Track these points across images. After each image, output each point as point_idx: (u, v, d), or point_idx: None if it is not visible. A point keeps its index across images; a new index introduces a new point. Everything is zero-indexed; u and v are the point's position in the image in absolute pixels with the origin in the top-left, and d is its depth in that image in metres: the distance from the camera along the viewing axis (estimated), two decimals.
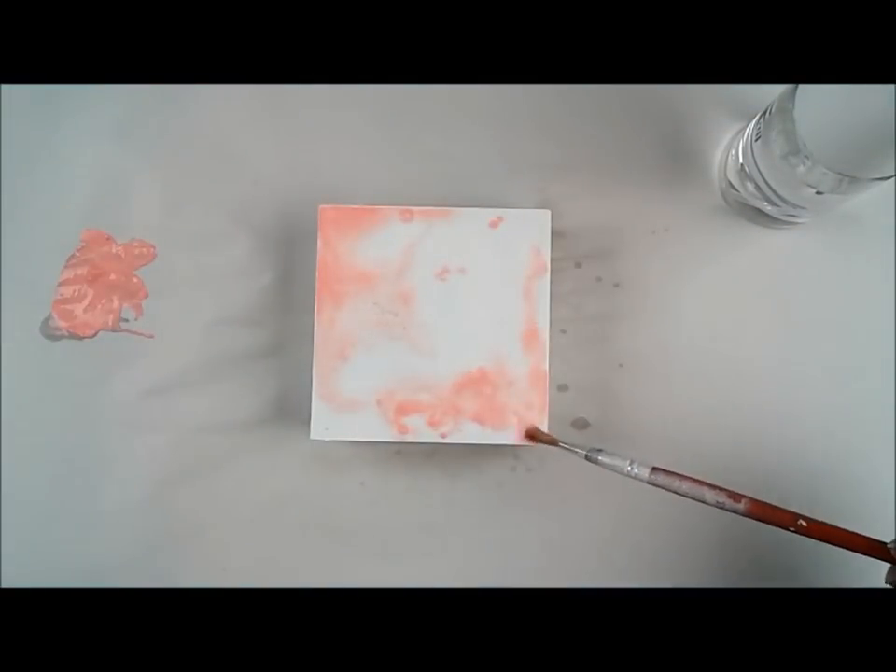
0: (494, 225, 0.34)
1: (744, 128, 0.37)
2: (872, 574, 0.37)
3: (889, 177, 0.30)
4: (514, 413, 0.33)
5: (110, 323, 0.38)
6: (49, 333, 0.38)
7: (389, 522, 0.38)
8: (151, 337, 0.38)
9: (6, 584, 0.37)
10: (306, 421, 0.34)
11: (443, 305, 0.34)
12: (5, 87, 0.39)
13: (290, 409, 0.38)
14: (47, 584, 0.37)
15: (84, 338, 0.38)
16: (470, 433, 0.33)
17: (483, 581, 0.37)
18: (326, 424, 0.34)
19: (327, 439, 0.34)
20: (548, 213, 0.34)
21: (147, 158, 0.39)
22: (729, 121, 0.39)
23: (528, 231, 0.34)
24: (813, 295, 0.38)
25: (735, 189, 0.37)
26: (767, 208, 0.36)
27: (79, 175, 0.39)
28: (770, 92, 0.34)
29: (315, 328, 0.34)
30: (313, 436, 0.33)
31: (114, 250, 0.38)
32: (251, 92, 0.39)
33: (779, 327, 0.38)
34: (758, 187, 0.36)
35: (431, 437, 0.33)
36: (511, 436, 0.33)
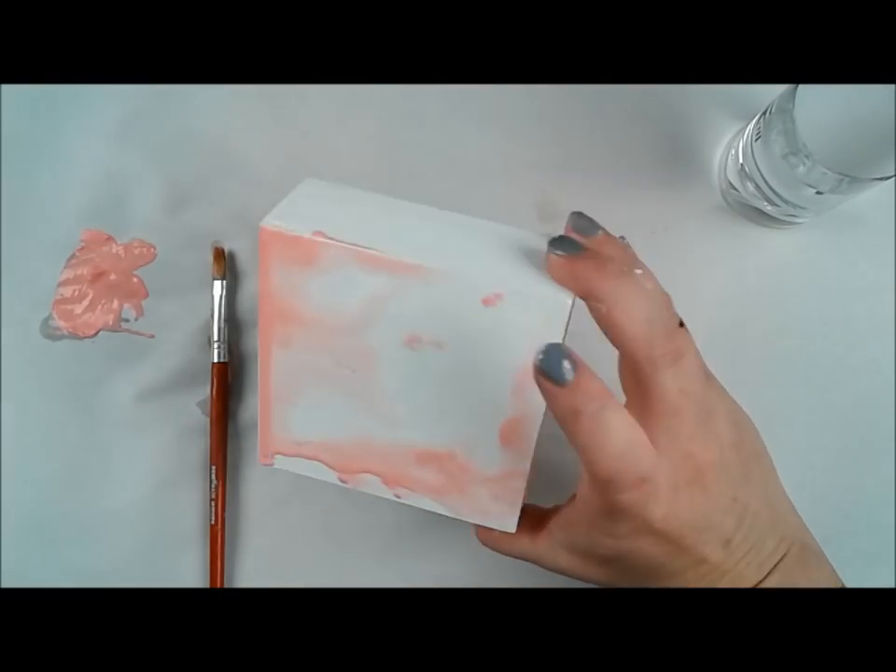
0: (488, 303, 0.24)
1: (744, 128, 0.37)
2: (872, 574, 0.37)
3: (889, 177, 0.30)
4: (479, 502, 0.28)
5: (110, 323, 0.38)
6: (49, 333, 0.38)
7: (389, 522, 0.38)
8: (151, 337, 0.38)
9: (6, 584, 0.37)
10: None
11: (411, 377, 0.26)
12: (5, 87, 0.39)
13: None
14: (47, 584, 0.37)
15: (84, 338, 0.38)
16: (427, 503, 0.28)
17: (484, 581, 0.37)
18: (274, 452, 0.29)
19: (275, 466, 0.29)
20: (569, 300, 0.24)
21: (147, 158, 0.39)
22: (729, 121, 0.39)
23: (533, 321, 0.24)
24: (813, 295, 0.38)
25: (735, 189, 0.37)
26: (767, 208, 0.36)
27: (79, 174, 0.39)
28: (770, 92, 0.34)
29: (259, 366, 0.27)
30: (261, 460, 0.29)
31: (114, 250, 0.38)
32: (251, 92, 0.39)
33: (779, 326, 0.38)
34: (758, 187, 0.36)
35: (385, 494, 0.29)
36: (473, 514, 0.28)
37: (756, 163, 0.35)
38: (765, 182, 0.35)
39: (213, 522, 0.37)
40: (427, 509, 0.28)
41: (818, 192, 0.33)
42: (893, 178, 0.31)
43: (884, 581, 0.37)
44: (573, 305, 0.24)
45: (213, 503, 0.37)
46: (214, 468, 0.37)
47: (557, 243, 0.24)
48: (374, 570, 0.37)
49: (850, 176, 0.31)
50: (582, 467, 0.24)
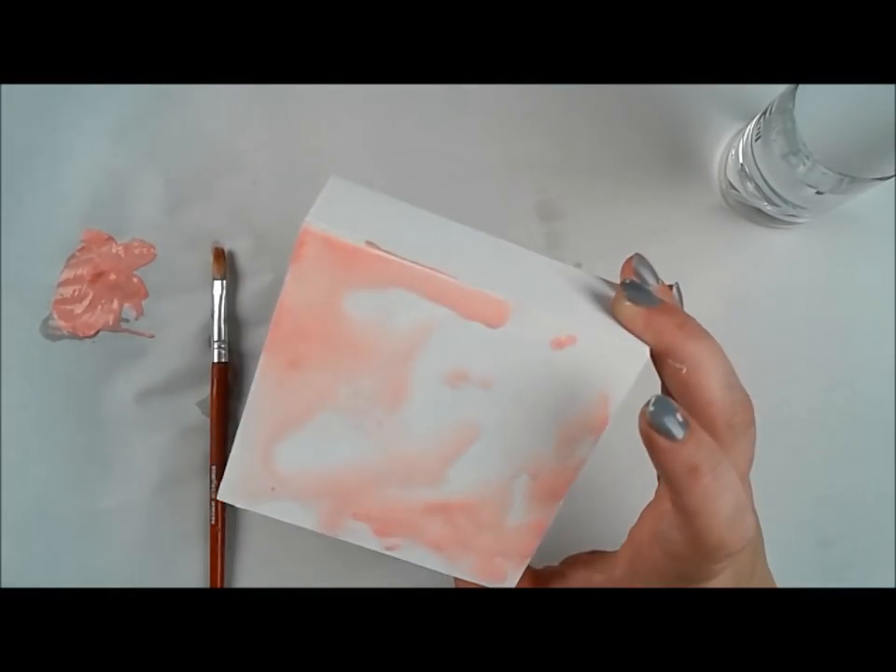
0: (558, 346, 0.22)
1: (744, 128, 0.37)
2: (872, 574, 0.37)
3: (888, 177, 0.30)
4: (483, 554, 0.25)
5: (110, 323, 0.38)
6: (49, 333, 0.38)
7: None
8: (151, 337, 0.38)
9: (6, 584, 0.37)
10: None
11: (440, 419, 0.23)
12: (5, 87, 0.39)
13: None
14: (47, 584, 0.37)
15: (84, 338, 0.38)
16: (421, 556, 0.25)
17: None
18: (242, 489, 0.25)
19: (238, 506, 0.25)
20: (645, 352, 0.23)
21: (147, 158, 0.39)
22: (729, 121, 0.39)
23: (604, 368, 0.23)
24: (813, 295, 0.38)
25: (735, 189, 0.37)
26: (767, 208, 0.36)
27: (79, 174, 0.39)
28: (770, 92, 0.34)
29: (253, 388, 0.23)
30: (220, 496, 0.25)
31: (114, 250, 0.38)
32: (251, 92, 0.39)
33: (779, 326, 0.38)
34: (758, 187, 0.36)
35: (373, 545, 0.26)
36: (467, 570, 0.26)
37: (756, 163, 0.35)
38: (765, 182, 0.35)
39: (213, 522, 0.37)
40: (419, 564, 0.26)
41: (818, 192, 0.33)
42: (893, 178, 0.31)
43: (884, 581, 0.37)
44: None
45: (213, 503, 0.37)
46: (214, 468, 0.37)
47: (634, 292, 0.23)
48: (374, 570, 0.37)
49: (850, 176, 0.31)
50: (657, 528, 0.23)
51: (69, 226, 0.38)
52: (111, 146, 0.39)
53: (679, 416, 0.20)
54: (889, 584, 0.37)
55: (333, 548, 0.38)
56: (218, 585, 0.37)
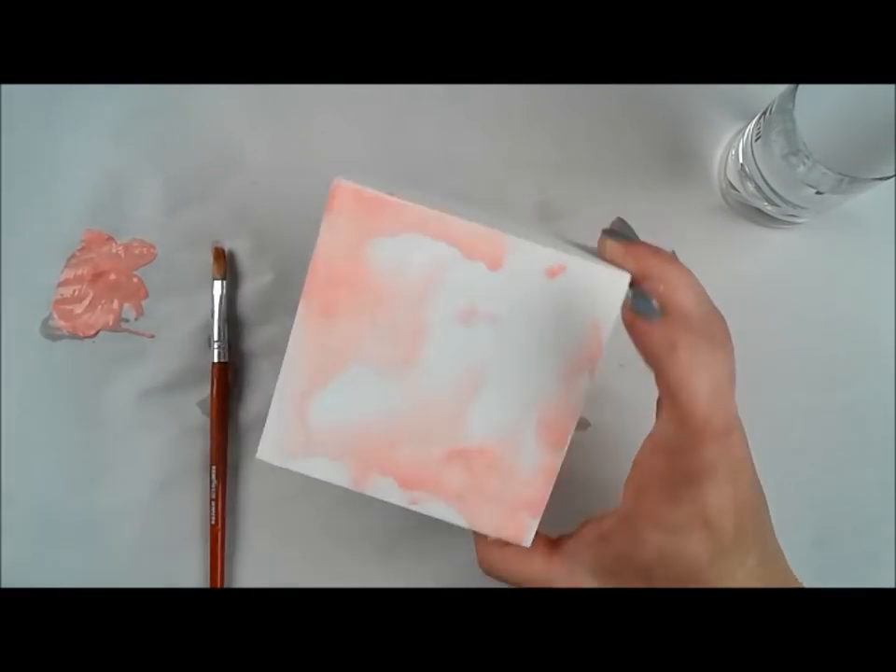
0: (552, 275, 0.25)
1: (744, 128, 0.37)
2: (872, 574, 0.37)
3: (888, 177, 0.30)
4: (501, 505, 0.27)
5: (110, 323, 0.38)
6: (49, 333, 0.38)
7: (389, 522, 0.38)
8: (151, 337, 0.38)
9: (6, 584, 0.37)
10: None
11: (455, 357, 0.25)
12: (5, 87, 0.39)
13: None
14: (47, 584, 0.37)
15: (84, 338, 0.38)
16: (442, 511, 0.27)
17: (484, 581, 0.37)
18: (280, 447, 0.26)
19: (276, 464, 0.27)
20: (626, 277, 0.25)
21: (147, 158, 0.39)
22: (729, 121, 0.39)
23: (594, 296, 0.25)
24: (813, 295, 0.38)
25: (735, 189, 0.37)
26: (767, 208, 0.36)
27: (79, 174, 0.39)
28: (770, 92, 0.34)
29: (291, 340, 0.26)
30: (259, 455, 0.27)
31: (114, 250, 0.38)
32: (251, 92, 0.39)
33: (779, 326, 0.38)
34: (758, 187, 0.36)
35: (399, 500, 0.27)
36: (486, 523, 0.27)
37: (756, 163, 0.35)
38: (765, 182, 0.35)
39: (213, 522, 0.37)
40: (442, 518, 0.27)
41: (818, 192, 0.33)
42: (893, 178, 0.31)
43: (884, 581, 0.37)
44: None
45: (213, 503, 0.37)
46: (214, 468, 0.37)
47: (612, 232, 0.26)
48: (374, 570, 0.37)
49: (850, 176, 0.31)
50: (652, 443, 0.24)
51: (69, 226, 0.38)
52: (111, 146, 0.39)
53: (654, 303, 0.23)
54: (888, 584, 0.37)
55: (333, 548, 0.38)
56: (218, 585, 0.37)
